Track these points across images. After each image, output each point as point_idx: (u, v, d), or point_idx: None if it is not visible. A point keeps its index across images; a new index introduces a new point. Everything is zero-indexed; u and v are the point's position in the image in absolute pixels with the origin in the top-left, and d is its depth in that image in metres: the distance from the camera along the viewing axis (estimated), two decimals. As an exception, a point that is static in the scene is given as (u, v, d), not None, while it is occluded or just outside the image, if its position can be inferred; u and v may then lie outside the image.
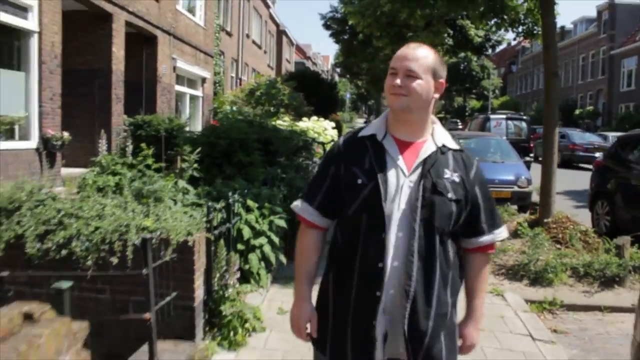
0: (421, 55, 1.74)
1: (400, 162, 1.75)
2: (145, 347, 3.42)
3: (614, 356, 4.23)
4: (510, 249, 6.32)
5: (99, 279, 3.51)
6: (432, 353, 1.75)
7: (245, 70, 25.25)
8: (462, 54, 18.81)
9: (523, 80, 57.51)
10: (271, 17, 33.38)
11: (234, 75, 23.62)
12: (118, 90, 11.32)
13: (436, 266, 1.72)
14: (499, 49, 14.39)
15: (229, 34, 22.00)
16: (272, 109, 12.31)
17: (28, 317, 2.09)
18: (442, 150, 1.79)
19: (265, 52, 31.61)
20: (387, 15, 9.04)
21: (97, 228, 3.47)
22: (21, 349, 1.84)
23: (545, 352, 4.04)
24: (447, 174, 1.75)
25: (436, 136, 1.81)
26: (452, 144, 1.82)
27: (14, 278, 3.27)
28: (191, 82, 16.45)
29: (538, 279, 5.52)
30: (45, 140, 8.60)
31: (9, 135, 8.15)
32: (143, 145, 4.91)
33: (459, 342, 1.91)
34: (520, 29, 9.35)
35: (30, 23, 8.25)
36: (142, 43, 13.02)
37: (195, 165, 4.27)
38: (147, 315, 3.19)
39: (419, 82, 1.71)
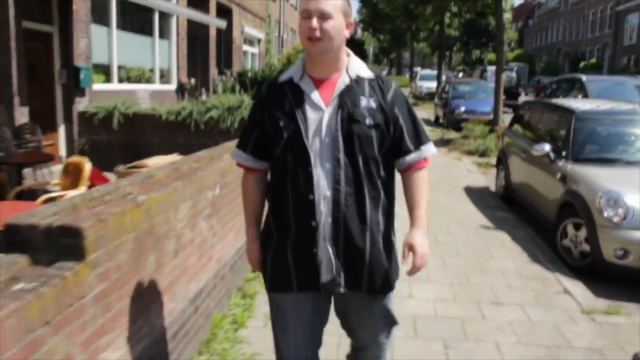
0: None
1: (317, 98, 1.83)
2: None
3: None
4: (473, 143, 11.01)
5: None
6: (376, 272, 1.88)
7: (285, 29, 29.55)
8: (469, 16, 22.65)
9: (538, 33, 60.22)
10: (303, -20, 37.23)
11: (277, 34, 27.95)
12: (212, 50, 15.93)
13: (364, 190, 1.83)
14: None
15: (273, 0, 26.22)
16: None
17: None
18: (357, 80, 1.86)
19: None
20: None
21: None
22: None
23: (472, 176, 8.76)
24: (364, 101, 1.83)
25: (351, 68, 1.88)
26: (367, 73, 1.90)
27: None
28: (251, 42, 21.03)
29: (482, 154, 10.24)
30: (180, 84, 13.35)
31: (162, 81, 12.92)
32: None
33: (410, 257, 1.91)
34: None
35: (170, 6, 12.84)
36: (221, 14, 17.48)
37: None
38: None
39: (333, 22, 1.77)
